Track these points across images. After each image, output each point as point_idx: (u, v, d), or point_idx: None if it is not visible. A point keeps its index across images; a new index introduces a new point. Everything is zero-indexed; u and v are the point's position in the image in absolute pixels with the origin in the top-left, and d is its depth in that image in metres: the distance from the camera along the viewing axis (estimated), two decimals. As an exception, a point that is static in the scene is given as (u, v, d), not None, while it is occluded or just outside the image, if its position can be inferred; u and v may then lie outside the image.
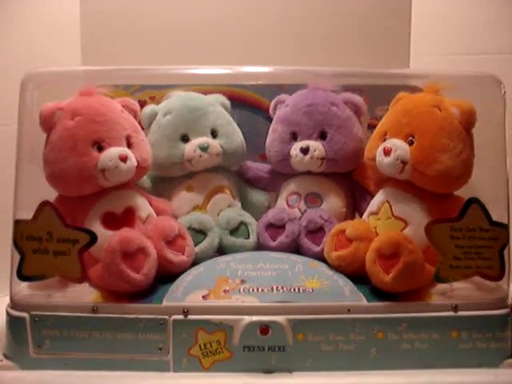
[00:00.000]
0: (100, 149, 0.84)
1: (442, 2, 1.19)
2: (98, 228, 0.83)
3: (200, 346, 0.76)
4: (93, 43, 1.16)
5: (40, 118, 0.84)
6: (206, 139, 0.95)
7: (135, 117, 0.92)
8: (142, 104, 1.00)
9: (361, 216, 0.96)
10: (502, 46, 1.14)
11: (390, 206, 0.87)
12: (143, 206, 0.90)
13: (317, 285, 0.81)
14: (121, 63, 0.99)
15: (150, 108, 0.98)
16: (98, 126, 0.84)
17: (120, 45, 1.16)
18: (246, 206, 1.02)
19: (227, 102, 1.02)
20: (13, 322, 0.80)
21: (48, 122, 0.84)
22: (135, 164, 0.86)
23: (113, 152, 0.83)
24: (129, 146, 0.87)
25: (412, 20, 1.15)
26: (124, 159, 0.84)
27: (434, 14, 1.18)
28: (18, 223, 0.80)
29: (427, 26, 1.17)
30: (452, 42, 1.18)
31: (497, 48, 1.14)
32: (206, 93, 1.00)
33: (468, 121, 0.84)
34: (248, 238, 0.94)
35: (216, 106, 0.99)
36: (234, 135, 0.99)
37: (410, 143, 0.85)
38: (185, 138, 0.96)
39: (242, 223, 0.94)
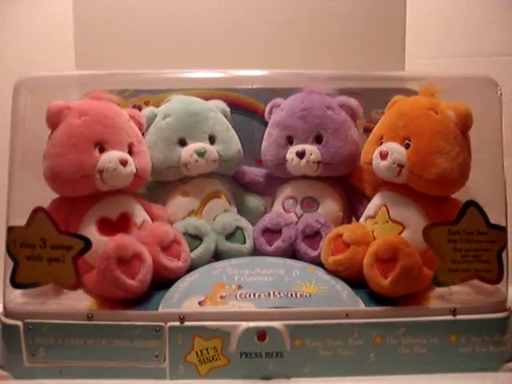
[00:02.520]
0: (101, 150, 0.84)
1: (436, 5, 1.19)
2: (92, 234, 0.83)
3: (196, 352, 0.75)
4: (87, 47, 1.15)
5: (47, 114, 0.84)
6: (203, 145, 0.95)
7: (140, 129, 0.92)
8: (137, 109, 0.99)
9: (357, 220, 0.95)
10: (497, 48, 1.15)
11: (387, 210, 0.87)
12: (138, 211, 0.89)
13: (314, 290, 0.80)
14: (115, 68, 0.98)
15: (149, 110, 0.98)
16: (103, 128, 0.84)
17: (114, 49, 1.16)
18: (242, 210, 1.01)
19: (227, 109, 1.01)
20: (6, 331, 0.78)
21: (54, 119, 0.84)
22: (134, 170, 0.86)
23: (113, 155, 0.83)
24: (130, 153, 0.87)
25: (407, 22, 1.15)
26: (124, 163, 0.84)
27: (429, 17, 1.18)
28: (11, 230, 0.79)
29: (422, 28, 1.17)
30: (447, 45, 1.18)
31: (492, 50, 1.15)
32: (200, 97, 1.00)
33: (464, 123, 0.83)
34: (244, 243, 0.93)
35: (216, 112, 0.99)
36: (231, 142, 0.98)
37: (407, 146, 0.84)
38: (182, 142, 0.95)
39: (238, 228, 0.94)
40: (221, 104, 1.01)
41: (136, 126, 0.91)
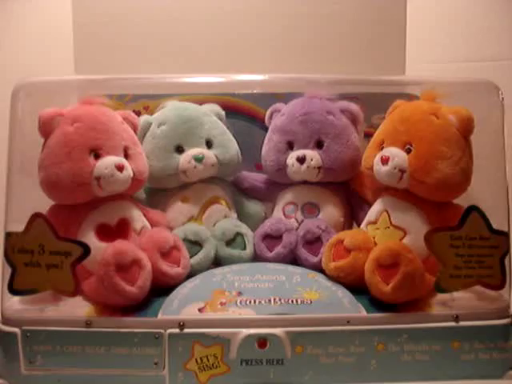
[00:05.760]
0: (97, 156, 0.83)
1: (437, 9, 1.19)
2: (91, 240, 0.82)
3: (196, 360, 0.75)
4: (86, 52, 1.15)
5: (39, 123, 0.83)
6: (200, 150, 0.94)
7: (134, 130, 0.92)
8: (136, 114, 0.99)
9: (358, 226, 0.95)
10: (499, 53, 1.15)
11: (389, 215, 0.86)
12: (137, 217, 0.88)
13: (315, 296, 0.79)
14: (114, 72, 0.98)
15: (143, 119, 0.97)
16: (97, 134, 0.84)
17: (113, 54, 1.15)
18: (242, 216, 1.01)
19: (222, 112, 1.01)
20: (3, 338, 0.78)
21: (46, 127, 0.83)
22: (131, 175, 0.85)
23: (109, 160, 0.83)
24: (126, 157, 0.86)
25: (407, 27, 1.15)
26: (120, 168, 0.83)
27: (430, 21, 1.18)
28: (9, 236, 0.78)
29: (423, 33, 1.18)
30: (448, 49, 1.18)
31: (493, 54, 1.15)
32: (200, 102, 1.00)
33: (466, 128, 0.83)
34: (244, 249, 0.93)
35: (211, 116, 0.98)
36: (229, 145, 0.98)
37: (408, 151, 0.84)
38: (179, 149, 0.95)
39: (238, 234, 0.93)
40: (215, 107, 1.00)
41: (130, 128, 0.90)
